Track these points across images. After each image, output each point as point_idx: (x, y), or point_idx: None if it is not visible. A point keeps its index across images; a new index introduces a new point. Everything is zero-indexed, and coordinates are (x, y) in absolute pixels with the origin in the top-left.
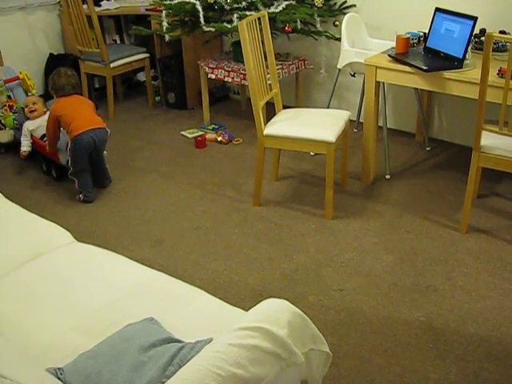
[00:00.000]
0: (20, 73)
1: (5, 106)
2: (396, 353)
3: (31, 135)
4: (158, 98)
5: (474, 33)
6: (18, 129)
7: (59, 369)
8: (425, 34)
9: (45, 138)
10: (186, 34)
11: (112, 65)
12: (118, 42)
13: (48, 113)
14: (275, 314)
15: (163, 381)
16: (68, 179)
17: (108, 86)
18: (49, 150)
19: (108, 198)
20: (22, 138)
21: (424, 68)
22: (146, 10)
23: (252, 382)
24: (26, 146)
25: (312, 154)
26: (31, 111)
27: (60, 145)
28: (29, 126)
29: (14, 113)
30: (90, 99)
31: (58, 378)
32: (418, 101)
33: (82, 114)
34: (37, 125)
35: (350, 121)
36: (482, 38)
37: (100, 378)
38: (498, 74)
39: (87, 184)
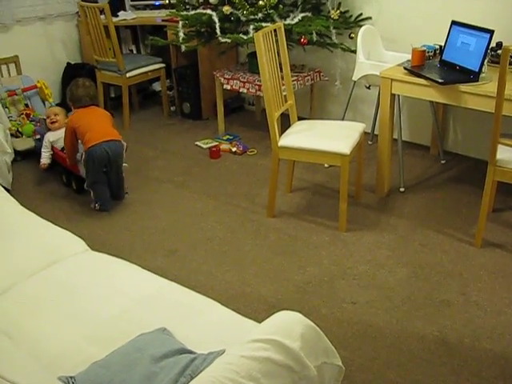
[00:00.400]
0: (38, 82)
1: (22, 114)
2: (409, 368)
3: (52, 146)
4: (173, 108)
5: (491, 46)
6: (38, 139)
7: (71, 377)
8: (441, 46)
9: (65, 150)
10: (202, 44)
11: (128, 74)
12: (135, 51)
13: None
14: (288, 326)
15: None
16: (87, 191)
17: (124, 96)
18: (69, 162)
19: (122, 207)
20: (42, 150)
21: (440, 81)
22: (163, 20)
23: None
24: (46, 158)
25: (326, 165)
26: (52, 122)
27: (79, 156)
28: (49, 137)
29: (31, 121)
30: (105, 109)
31: None
32: (433, 114)
33: (97, 125)
34: (57, 136)
35: (365, 133)
36: (499, 52)
37: None
38: None
39: (103, 194)
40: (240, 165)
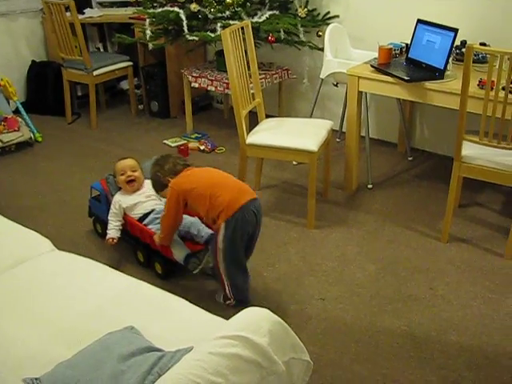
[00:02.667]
0: (1, 79)
1: None
2: (377, 362)
3: (124, 214)
4: (141, 107)
5: (455, 44)
6: (96, 199)
7: (36, 379)
8: (407, 45)
9: (146, 222)
10: (169, 42)
11: (95, 73)
12: (102, 50)
13: (146, 184)
14: (256, 322)
15: None
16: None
17: (91, 94)
18: (162, 241)
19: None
20: (109, 218)
21: (406, 78)
22: (130, 18)
23: None
24: (114, 231)
25: (295, 163)
26: (130, 181)
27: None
28: (122, 201)
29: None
30: (72, 108)
31: None
32: (400, 111)
33: (225, 181)
34: (134, 200)
35: (333, 131)
36: (463, 50)
37: None
38: (478, 85)
39: (243, 283)
40: (208, 163)
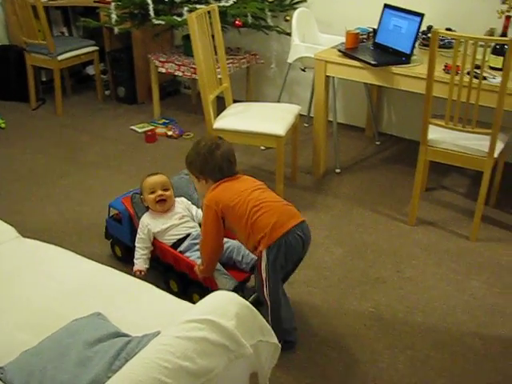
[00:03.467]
0: None
1: None
2: (346, 344)
3: (153, 239)
4: (107, 92)
5: (422, 29)
6: (115, 220)
7: (0, 367)
8: (374, 29)
9: (183, 249)
10: (135, 26)
11: (59, 57)
12: (66, 34)
13: (178, 204)
14: (223, 306)
15: (109, 375)
16: None
17: (55, 79)
18: (205, 273)
19: (57, 194)
20: (136, 245)
21: (372, 63)
22: (95, 1)
23: (200, 374)
24: (142, 261)
25: (263, 148)
26: (160, 201)
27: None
28: (152, 225)
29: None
30: (36, 94)
31: None
32: (367, 96)
33: (266, 200)
34: (166, 224)
35: (301, 115)
36: (429, 35)
37: (44, 375)
38: (444, 69)
39: (289, 318)
40: (176, 149)
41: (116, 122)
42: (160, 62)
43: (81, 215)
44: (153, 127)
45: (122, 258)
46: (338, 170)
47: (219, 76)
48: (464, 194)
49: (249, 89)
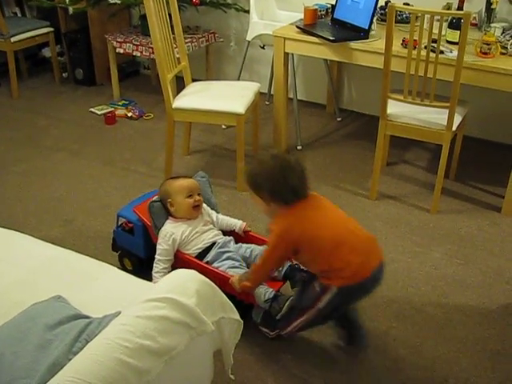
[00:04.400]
0: None
1: None
2: None
3: (176, 251)
4: (65, 75)
5: (380, 5)
6: (130, 231)
7: None
8: (332, 5)
9: (210, 259)
10: (90, 6)
11: (12, 39)
12: (19, 15)
13: (205, 211)
14: (183, 284)
15: (70, 357)
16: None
17: (9, 62)
18: (247, 290)
19: (15, 179)
20: (157, 257)
21: (331, 39)
22: None
23: (161, 352)
24: (163, 275)
25: (224, 127)
26: (196, 206)
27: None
28: (176, 234)
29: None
30: None
31: None
32: (327, 72)
33: (350, 234)
34: (192, 231)
35: (262, 93)
36: (387, 10)
37: (3, 360)
38: (402, 44)
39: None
40: (136, 130)
41: (75, 105)
42: (118, 42)
43: (40, 199)
44: (112, 109)
45: (132, 271)
46: (299, 147)
47: (177, 55)
48: (424, 167)
49: (208, 68)
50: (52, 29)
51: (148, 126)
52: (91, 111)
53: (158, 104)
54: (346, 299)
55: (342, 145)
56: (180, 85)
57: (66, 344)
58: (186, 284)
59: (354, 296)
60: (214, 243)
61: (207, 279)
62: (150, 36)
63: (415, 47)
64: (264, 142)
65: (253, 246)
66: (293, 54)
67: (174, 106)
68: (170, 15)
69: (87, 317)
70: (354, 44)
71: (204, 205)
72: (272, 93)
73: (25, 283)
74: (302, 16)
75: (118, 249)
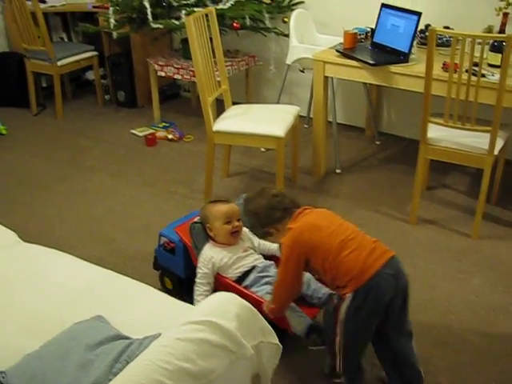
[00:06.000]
0: None
1: None
2: None
3: (216, 275)
4: (107, 97)
5: (420, 28)
6: (167, 250)
7: (1, 372)
8: (372, 29)
9: (249, 283)
10: (134, 31)
11: (59, 63)
12: (66, 39)
13: (245, 236)
14: (223, 307)
15: (110, 378)
16: None
17: (55, 85)
18: (275, 314)
19: (57, 198)
20: (198, 281)
21: (371, 62)
22: (93, 7)
23: (201, 375)
24: (205, 298)
25: (263, 149)
26: (234, 232)
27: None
28: (216, 258)
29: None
30: (37, 99)
31: (0, 382)
32: (366, 96)
33: (352, 236)
34: (232, 257)
35: (301, 116)
36: (427, 33)
37: (46, 379)
38: (442, 67)
39: (359, 369)
40: (177, 152)
41: (116, 126)
42: (159, 65)
43: (81, 219)
44: (153, 131)
45: (172, 291)
46: (338, 171)
47: (218, 79)
48: (465, 192)
49: (248, 91)
50: (96, 53)
51: (188, 148)
52: (132, 133)
53: (198, 126)
54: (365, 303)
55: (381, 169)
56: (220, 108)
57: (107, 364)
58: (226, 307)
59: (373, 297)
60: (253, 267)
61: (247, 303)
62: (190, 59)
63: (456, 71)
64: (303, 165)
65: (307, 274)
66: (332, 78)
67: (214, 128)
68: (210, 39)
69: (128, 337)
70: (394, 68)
71: (245, 229)
72: (311, 116)
73: (67, 302)
74: (341, 40)
75: (159, 268)
